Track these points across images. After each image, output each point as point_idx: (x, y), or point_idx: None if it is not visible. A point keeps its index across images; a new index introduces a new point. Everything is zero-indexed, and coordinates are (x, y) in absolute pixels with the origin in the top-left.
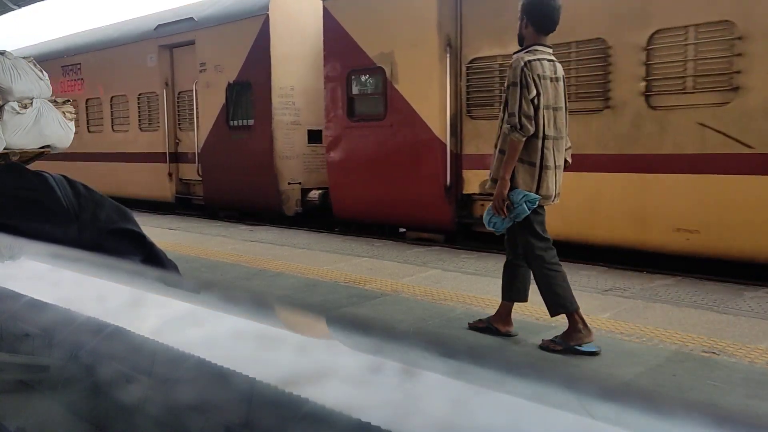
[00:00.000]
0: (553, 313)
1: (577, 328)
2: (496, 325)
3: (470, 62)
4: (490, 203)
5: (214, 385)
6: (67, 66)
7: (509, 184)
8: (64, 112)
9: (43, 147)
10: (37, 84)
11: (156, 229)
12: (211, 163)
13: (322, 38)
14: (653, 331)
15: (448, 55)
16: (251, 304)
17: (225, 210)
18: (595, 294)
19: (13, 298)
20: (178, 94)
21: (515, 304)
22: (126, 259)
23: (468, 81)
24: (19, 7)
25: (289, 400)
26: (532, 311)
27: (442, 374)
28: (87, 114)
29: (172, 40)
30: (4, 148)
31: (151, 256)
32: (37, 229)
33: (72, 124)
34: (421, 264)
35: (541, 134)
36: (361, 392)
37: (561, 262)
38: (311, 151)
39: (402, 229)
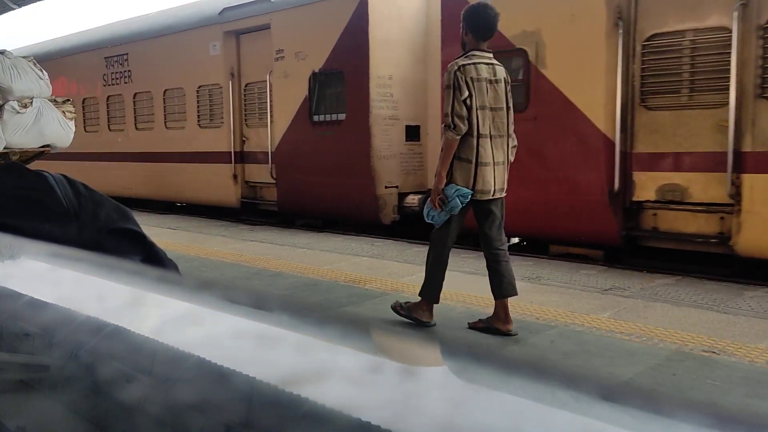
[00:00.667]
0: (426, 297)
1: (422, 310)
2: (496, 326)
3: (647, 39)
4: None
5: (214, 384)
6: (111, 57)
7: (445, 180)
8: (64, 112)
9: (43, 146)
10: (37, 83)
11: (156, 229)
12: (288, 164)
13: (427, 20)
14: (653, 330)
15: (619, 31)
16: (251, 304)
17: (304, 217)
18: (595, 293)
19: (13, 297)
20: (246, 86)
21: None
22: (126, 258)
23: (644, 63)
24: (19, 6)
25: (289, 400)
26: (532, 311)
27: (442, 374)
28: (135, 110)
29: (240, 25)
30: (4, 148)
31: (151, 256)
32: (37, 229)
33: (72, 124)
34: (422, 263)
35: (475, 133)
36: (361, 392)
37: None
38: (408, 150)
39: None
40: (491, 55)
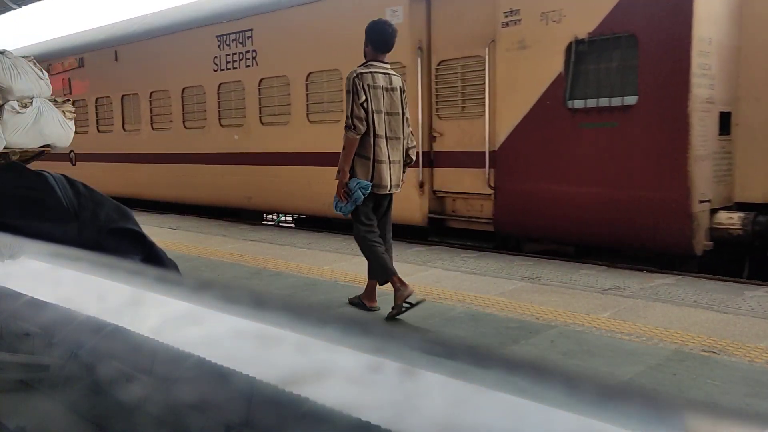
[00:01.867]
0: (378, 280)
1: (397, 287)
2: (364, 301)
3: (439, 64)
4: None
5: (214, 384)
6: (227, 35)
7: (348, 175)
8: (64, 112)
9: (43, 146)
10: (37, 83)
11: (156, 229)
12: (520, 168)
13: None
14: (653, 330)
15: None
16: (251, 304)
17: (541, 241)
18: (595, 293)
19: (13, 297)
20: (440, 64)
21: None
22: (126, 258)
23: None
24: (19, 6)
25: (288, 400)
26: (532, 311)
27: (442, 374)
28: (260, 100)
29: None
30: (4, 148)
31: (151, 256)
32: (37, 228)
33: (72, 124)
34: (421, 263)
35: (372, 133)
36: (360, 392)
37: None
38: (720, 148)
39: None
40: (388, 65)
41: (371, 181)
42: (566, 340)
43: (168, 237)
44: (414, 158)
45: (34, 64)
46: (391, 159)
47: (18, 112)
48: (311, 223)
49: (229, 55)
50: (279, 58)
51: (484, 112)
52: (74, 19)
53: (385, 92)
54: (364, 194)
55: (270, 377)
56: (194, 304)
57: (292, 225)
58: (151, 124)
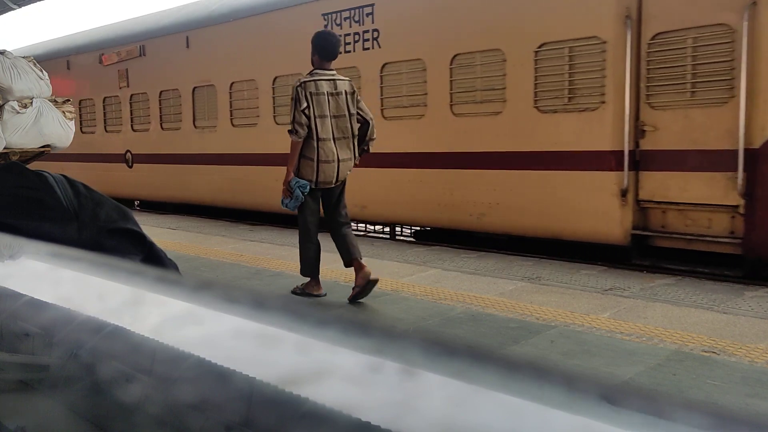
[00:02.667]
0: (303, 273)
1: (311, 285)
2: (307, 290)
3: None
4: None
5: (214, 384)
6: (338, 13)
7: (293, 174)
8: (64, 112)
9: (43, 146)
10: (37, 83)
11: (156, 229)
12: None
13: None
14: (653, 330)
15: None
16: (251, 304)
17: None
18: (595, 293)
19: (13, 297)
20: (653, 37)
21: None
22: (126, 258)
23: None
24: (19, 6)
25: (288, 400)
26: (532, 311)
27: (442, 374)
28: (382, 89)
29: None
30: (4, 148)
31: (151, 256)
32: (37, 228)
33: (72, 124)
34: (421, 263)
35: (315, 136)
36: (360, 392)
37: None
38: None
39: None
40: (334, 72)
41: (317, 179)
42: (566, 341)
43: (168, 237)
44: (370, 149)
45: (34, 64)
46: (340, 158)
47: (18, 113)
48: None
49: (341, 36)
50: (408, 39)
51: (734, 97)
52: (73, 20)
53: (330, 97)
54: (303, 192)
55: (270, 377)
56: (194, 304)
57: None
58: (231, 120)
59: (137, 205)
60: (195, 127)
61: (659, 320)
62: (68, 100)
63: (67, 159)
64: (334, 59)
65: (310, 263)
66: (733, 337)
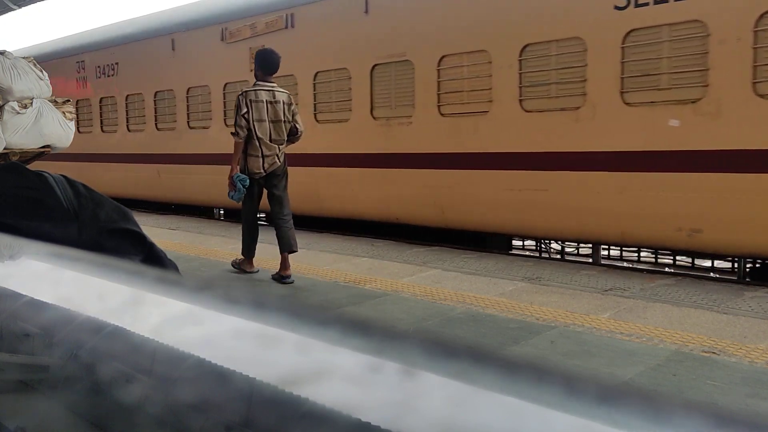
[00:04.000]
0: (244, 253)
1: (245, 263)
2: (280, 273)
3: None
4: None
5: (214, 384)
6: None
7: (236, 170)
8: (64, 112)
9: (43, 147)
10: (37, 84)
11: (156, 229)
12: None
13: None
14: (653, 330)
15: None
16: (251, 304)
17: None
18: (595, 294)
19: (13, 297)
20: None
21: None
22: (126, 258)
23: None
24: (19, 7)
25: (288, 400)
26: (532, 311)
27: (442, 374)
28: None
29: None
30: (4, 148)
31: (151, 256)
32: (37, 229)
33: (72, 124)
34: (422, 263)
35: (255, 136)
36: (360, 392)
37: None
38: None
39: None
40: (274, 83)
41: (264, 170)
42: (566, 341)
43: (168, 237)
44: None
45: (34, 64)
46: (277, 153)
47: (18, 113)
48: None
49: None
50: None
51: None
52: (74, 20)
53: (268, 105)
54: (243, 185)
55: (270, 377)
56: (194, 304)
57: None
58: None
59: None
60: (374, 118)
61: (659, 320)
62: (68, 101)
63: (184, 161)
64: (274, 73)
65: (247, 244)
66: (733, 338)
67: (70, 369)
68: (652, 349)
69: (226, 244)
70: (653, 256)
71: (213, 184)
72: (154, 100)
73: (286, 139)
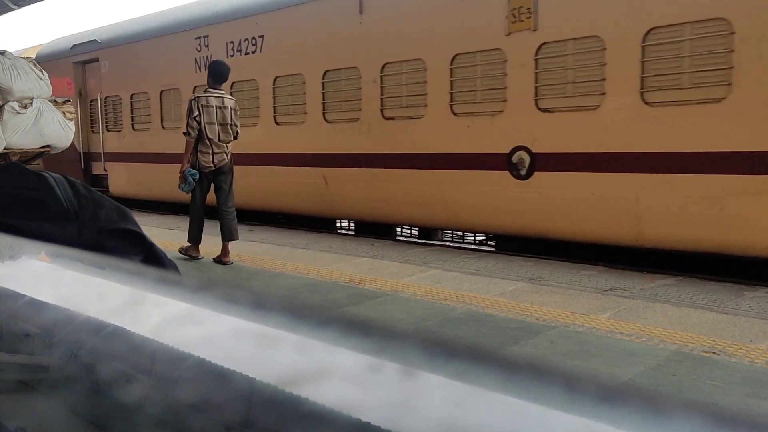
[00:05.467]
0: (189, 239)
1: (192, 249)
2: (222, 259)
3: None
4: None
5: (214, 384)
6: None
7: (187, 165)
8: (64, 112)
9: (43, 147)
10: (37, 84)
11: (156, 229)
12: None
13: None
14: (653, 330)
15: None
16: (251, 304)
17: None
18: (595, 294)
19: (13, 297)
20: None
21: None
22: (126, 258)
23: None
24: (19, 7)
25: (288, 400)
26: (532, 311)
27: (442, 374)
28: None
29: None
30: (5, 148)
31: (151, 256)
32: (38, 229)
33: (72, 124)
34: (422, 264)
35: (205, 136)
36: (360, 392)
37: None
38: None
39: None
40: (223, 91)
41: (214, 165)
42: (566, 341)
43: (168, 237)
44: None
45: (34, 65)
46: (223, 151)
47: (18, 113)
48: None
49: None
50: None
51: None
52: (74, 20)
53: (217, 110)
54: (193, 178)
55: (270, 377)
56: (194, 304)
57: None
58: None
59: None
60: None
61: (659, 320)
62: (68, 101)
63: (322, 162)
64: (224, 82)
65: (194, 232)
66: (733, 338)
67: (70, 369)
68: (652, 349)
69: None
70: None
71: (429, 194)
72: (323, 83)
73: (232, 139)
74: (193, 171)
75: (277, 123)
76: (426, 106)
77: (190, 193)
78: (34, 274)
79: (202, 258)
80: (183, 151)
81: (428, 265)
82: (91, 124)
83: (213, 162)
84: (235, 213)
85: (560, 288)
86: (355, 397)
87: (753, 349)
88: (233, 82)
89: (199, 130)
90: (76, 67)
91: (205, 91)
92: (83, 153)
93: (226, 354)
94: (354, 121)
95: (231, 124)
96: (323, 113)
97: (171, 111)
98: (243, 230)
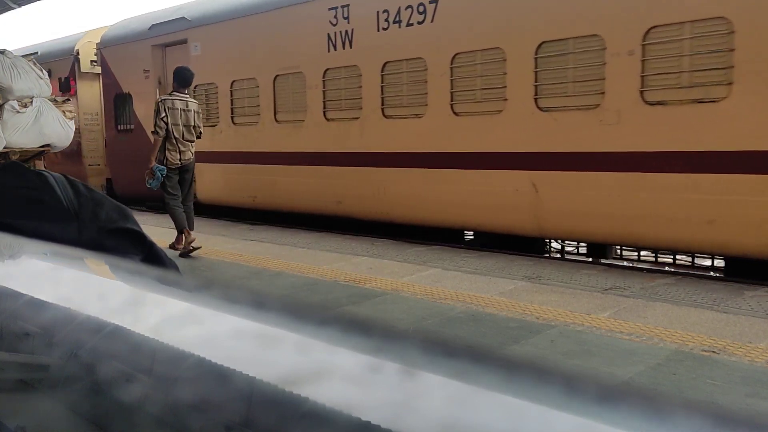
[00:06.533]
0: (178, 228)
1: (179, 240)
2: (177, 246)
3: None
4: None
5: (214, 384)
6: None
7: (155, 162)
8: (64, 111)
9: (43, 146)
10: (37, 83)
11: (156, 229)
12: None
13: None
14: (653, 330)
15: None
16: (251, 304)
17: None
18: (595, 293)
19: (13, 297)
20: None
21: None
22: (126, 258)
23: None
24: (19, 6)
25: (288, 400)
26: (532, 311)
27: (442, 374)
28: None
29: None
30: (4, 147)
31: (151, 255)
32: (37, 228)
33: (72, 123)
34: (422, 263)
35: (172, 136)
36: (360, 392)
37: None
38: None
39: None
40: (187, 95)
41: (180, 162)
42: (566, 340)
43: (168, 237)
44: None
45: (34, 64)
46: (188, 149)
47: (18, 112)
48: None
49: None
50: None
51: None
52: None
53: (181, 112)
54: (162, 174)
55: (270, 377)
56: (194, 304)
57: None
58: None
59: None
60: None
61: (659, 320)
62: (68, 100)
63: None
64: (188, 87)
65: (179, 221)
66: (733, 337)
67: (71, 368)
68: (652, 348)
69: (227, 243)
70: (653, 255)
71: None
72: (536, 59)
73: (195, 139)
74: (161, 167)
75: (455, 113)
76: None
77: (165, 193)
78: (34, 273)
79: (194, 239)
80: (308, 150)
81: (428, 265)
82: None
83: (180, 159)
84: (193, 206)
85: (560, 287)
86: (355, 396)
87: (753, 349)
88: (385, 63)
89: (167, 130)
90: (155, 51)
91: (170, 94)
92: None
93: (226, 353)
94: (591, 109)
95: (194, 126)
96: (535, 99)
97: (288, 100)
98: (243, 230)
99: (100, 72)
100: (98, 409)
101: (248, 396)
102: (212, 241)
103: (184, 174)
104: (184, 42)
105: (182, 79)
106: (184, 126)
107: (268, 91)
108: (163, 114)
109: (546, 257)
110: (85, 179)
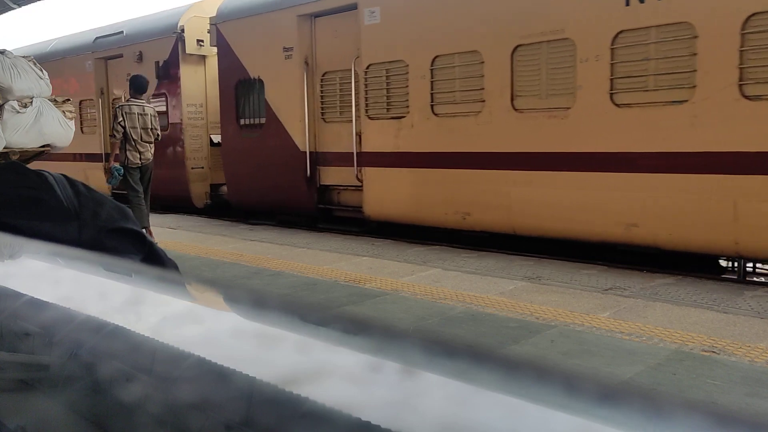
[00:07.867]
0: (141, 225)
1: (147, 232)
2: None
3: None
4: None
5: (214, 383)
6: None
7: (113, 162)
8: (64, 111)
9: (43, 146)
10: (37, 83)
11: (156, 228)
12: None
13: None
14: (653, 330)
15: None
16: (251, 303)
17: None
18: (595, 293)
19: (13, 296)
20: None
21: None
22: (126, 257)
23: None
24: (19, 6)
25: (288, 399)
26: (532, 311)
27: (442, 374)
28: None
29: None
30: (4, 147)
31: (151, 255)
32: (38, 228)
33: (72, 123)
34: (422, 263)
35: (130, 138)
36: (360, 391)
37: None
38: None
39: None
40: (143, 101)
41: (140, 160)
42: (566, 340)
43: (168, 237)
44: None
45: (34, 64)
46: (146, 150)
47: (18, 112)
48: None
49: None
50: None
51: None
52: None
53: (138, 116)
54: (119, 174)
55: (270, 377)
56: (194, 303)
57: None
58: None
59: None
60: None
61: (659, 320)
62: (68, 100)
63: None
64: (144, 93)
65: (141, 218)
66: (733, 337)
67: (71, 368)
68: (652, 348)
69: (227, 243)
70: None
71: None
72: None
73: (153, 141)
74: (119, 167)
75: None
76: None
77: (129, 190)
78: (34, 273)
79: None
80: (545, 150)
81: (428, 265)
82: (323, 109)
83: (139, 160)
84: (149, 203)
85: (560, 287)
86: (355, 396)
87: (753, 348)
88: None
89: (125, 132)
90: (301, 23)
91: (127, 101)
92: (309, 153)
93: (226, 353)
94: None
95: (151, 128)
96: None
97: (539, 80)
98: (243, 230)
99: (205, 54)
100: (98, 409)
101: (248, 395)
102: (212, 241)
103: (144, 174)
104: (350, 8)
105: (138, 86)
106: (142, 129)
107: (502, 68)
108: (120, 118)
109: (546, 257)
110: (186, 185)
